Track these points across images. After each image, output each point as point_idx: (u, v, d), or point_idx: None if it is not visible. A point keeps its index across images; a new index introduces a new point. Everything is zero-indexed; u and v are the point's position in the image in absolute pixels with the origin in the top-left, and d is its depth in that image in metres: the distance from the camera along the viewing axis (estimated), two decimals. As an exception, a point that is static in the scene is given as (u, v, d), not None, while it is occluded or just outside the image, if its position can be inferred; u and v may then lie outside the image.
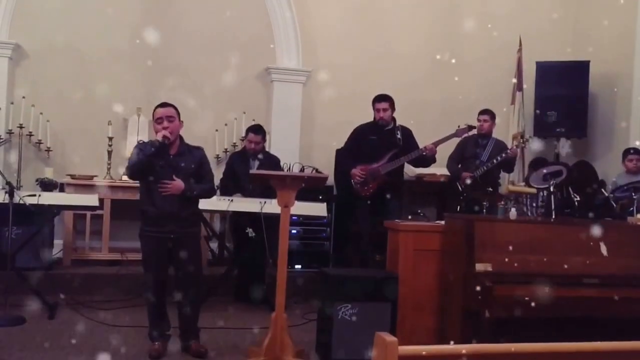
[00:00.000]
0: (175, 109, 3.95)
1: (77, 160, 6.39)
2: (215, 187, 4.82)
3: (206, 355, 3.92)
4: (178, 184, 3.84)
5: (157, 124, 3.90)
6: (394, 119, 5.40)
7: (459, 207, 5.40)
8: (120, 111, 6.42)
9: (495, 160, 5.54)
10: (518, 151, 5.79)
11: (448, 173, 6.02)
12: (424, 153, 5.24)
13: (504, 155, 5.52)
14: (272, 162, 5.55)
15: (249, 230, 5.14)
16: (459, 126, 5.53)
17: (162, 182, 3.83)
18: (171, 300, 4.04)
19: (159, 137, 3.83)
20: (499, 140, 5.91)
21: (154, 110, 3.96)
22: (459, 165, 5.81)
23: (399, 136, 5.32)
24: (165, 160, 3.87)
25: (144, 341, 4.09)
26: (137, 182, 4.08)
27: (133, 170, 3.92)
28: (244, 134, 6.12)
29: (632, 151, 5.87)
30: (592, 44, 7.04)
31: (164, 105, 3.96)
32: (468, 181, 5.49)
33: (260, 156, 5.50)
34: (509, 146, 6.01)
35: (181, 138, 4.01)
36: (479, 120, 5.78)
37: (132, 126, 6.42)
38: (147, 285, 4.00)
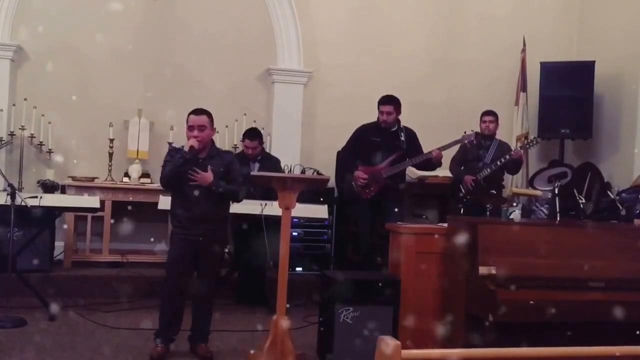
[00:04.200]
0: (209, 116, 3.96)
1: (78, 162, 6.38)
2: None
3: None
4: (207, 175, 3.85)
5: (189, 130, 3.92)
6: (398, 121, 5.33)
7: (462, 209, 5.36)
8: (121, 113, 6.40)
9: (499, 162, 5.49)
10: (522, 153, 5.72)
11: (451, 175, 5.98)
12: (430, 157, 5.15)
13: (507, 157, 5.46)
14: (272, 163, 5.52)
15: None
16: (464, 132, 5.48)
17: (193, 170, 3.84)
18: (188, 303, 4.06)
19: (186, 147, 3.86)
20: (503, 142, 5.87)
21: (188, 116, 3.97)
22: (462, 168, 5.77)
23: (402, 138, 5.24)
24: (194, 163, 3.89)
25: (144, 343, 4.08)
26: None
27: (166, 183, 3.98)
28: (243, 136, 6.09)
29: None
30: (598, 43, 7.00)
31: (197, 112, 3.96)
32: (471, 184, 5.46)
33: (260, 158, 5.48)
34: (513, 147, 5.96)
35: (212, 142, 4.07)
36: (484, 122, 5.73)
37: (133, 128, 6.39)
38: (166, 286, 4.01)
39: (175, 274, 3.94)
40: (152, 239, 6.21)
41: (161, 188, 4.38)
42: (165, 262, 4.14)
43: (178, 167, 3.83)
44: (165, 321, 3.96)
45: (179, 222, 3.95)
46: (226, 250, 5.91)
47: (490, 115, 5.74)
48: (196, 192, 3.88)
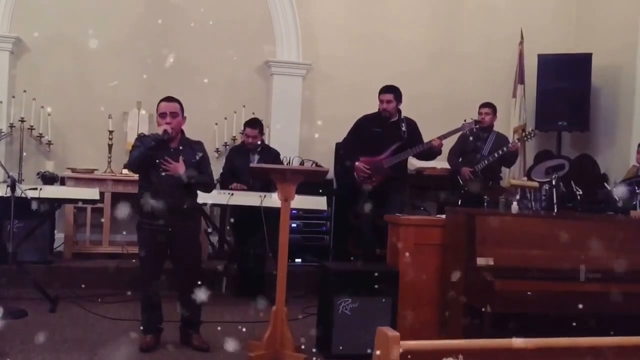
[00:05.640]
0: (180, 103, 3.96)
1: (77, 153, 6.38)
2: (216, 182, 4.81)
3: (207, 350, 3.93)
4: (179, 165, 3.85)
5: (161, 118, 3.91)
6: (399, 111, 5.34)
7: (459, 201, 5.38)
8: (120, 104, 6.40)
9: (496, 154, 5.51)
10: (519, 145, 5.74)
11: (449, 167, 6.00)
12: (431, 147, 5.17)
13: (504, 149, 5.49)
14: (271, 155, 5.54)
15: None
16: (464, 120, 5.50)
17: (165, 159, 3.83)
18: (171, 294, 4.05)
19: (160, 131, 3.86)
20: (500, 134, 5.88)
21: (158, 104, 3.97)
22: (460, 159, 5.79)
23: (403, 129, 5.24)
24: (165, 153, 3.87)
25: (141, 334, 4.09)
26: (137, 175, 4.10)
27: (134, 164, 3.97)
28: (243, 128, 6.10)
29: None
30: (595, 36, 7.01)
31: (168, 99, 3.96)
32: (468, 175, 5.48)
33: (259, 150, 5.50)
34: (511, 139, 5.98)
35: (182, 132, 4.02)
36: (480, 114, 5.74)
37: (132, 120, 6.40)
38: (141, 277, 4.02)
39: (148, 265, 3.91)
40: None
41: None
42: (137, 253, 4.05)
43: (149, 150, 3.81)
44: (146, 312, 3.97)
45: (147, 211, 3.87)
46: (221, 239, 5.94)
47: (487, 107, 5.75)
48: (167, 182, 3.85)
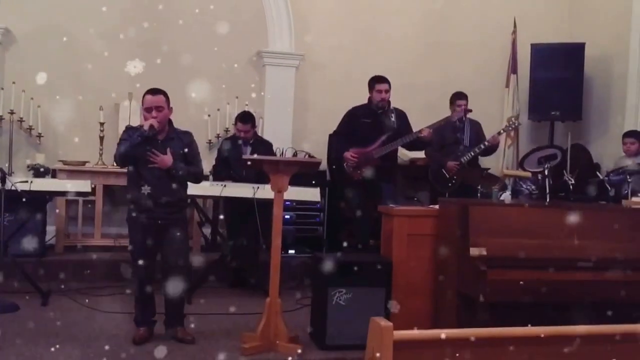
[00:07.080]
0: (165, 95, 3.89)
1: (68, 146, 6.34)
2: (208, 173, 4.77)
3: (192, 342, 3.89)
4: (167, 158, 3.80)
5: (146, 112, 3.85)
6: (388, 102, 5.35)
7: (447, 193, 5.36)
8: (111, 96, 6.36)
9: (482, 146, 5.47)
10: (500, 139, 5.71)
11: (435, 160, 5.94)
12: (420, 136, 5.17)
13: (486, 143, 5.46)
14: (264, 146, 5.52)
15: None
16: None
17: (152, 152, 3.78)
18: (159, 287, 4.03)
19: (146, 126, 3.79)
20: (473, 120, 5.77)
21: (143, 97, 3.90)
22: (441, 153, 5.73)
23: (393, 119, 5.25)
24: (153, 145, 3.83)
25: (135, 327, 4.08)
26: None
27: (121, 160, 3.91)
28: (235, 120, 6.08)
29: (627, 134, 5.83)
30: (588, 25, 7.01)
31: (153, 92, 3.88)
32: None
33: (252, 142, 5.47)
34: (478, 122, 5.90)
35: (170, 123, 3.97)
36: (458, 105, 5.64)
37: (123, 111, 6.36)
38: (133, 270, 3.98)
39: (140, 259, 3.86)
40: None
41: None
42: (128, 246, 4.02)
43: (135, 146, 3.76)
44: (139, 305, 3.95)
45: (136, 204, 3.86)
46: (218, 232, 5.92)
47: (464, 99, 5.67)
48: (155, 174, 3.81)
